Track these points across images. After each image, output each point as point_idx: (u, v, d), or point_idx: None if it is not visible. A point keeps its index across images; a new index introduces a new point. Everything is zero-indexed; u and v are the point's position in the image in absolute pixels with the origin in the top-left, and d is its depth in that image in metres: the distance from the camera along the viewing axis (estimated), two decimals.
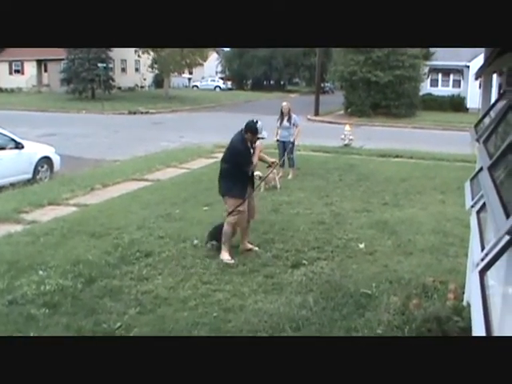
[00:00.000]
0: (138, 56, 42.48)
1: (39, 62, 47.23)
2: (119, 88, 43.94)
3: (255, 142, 6.54)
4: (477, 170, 4.00)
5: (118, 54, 42.67)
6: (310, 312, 5.00)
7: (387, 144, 17.13)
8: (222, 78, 62.20)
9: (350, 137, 16.81)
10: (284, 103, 11.86)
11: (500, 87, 4.84)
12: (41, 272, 5.84)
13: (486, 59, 4.73)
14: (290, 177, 11.59)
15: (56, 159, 12.37)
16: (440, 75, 36.38)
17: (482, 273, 2.15)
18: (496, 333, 1.85)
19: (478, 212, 3.42)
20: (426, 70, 33.19)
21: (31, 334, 4.39)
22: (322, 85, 44.66)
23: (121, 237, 7.14)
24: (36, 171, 11.77)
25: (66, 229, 7.47)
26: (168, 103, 36.61)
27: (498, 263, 2.10)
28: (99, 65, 36.80)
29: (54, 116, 28.90)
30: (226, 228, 6.54)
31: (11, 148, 11.21)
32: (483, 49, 5.03)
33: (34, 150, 11.89)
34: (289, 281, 5.82)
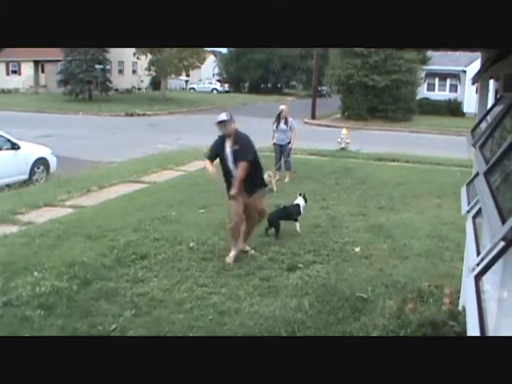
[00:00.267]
0: (137, 58, 42.47)
1: (36, 62, 47.16)
2: (116, 90, 43.92)
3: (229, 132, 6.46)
4: (473, 175, 4.01)
5: (115, 55, 42.62)
6: (305, 315, 5.00)
7: (384, 148, 17.16)
8: (219, 81, 62.19)
9: (347, 140, 16.84)
10: (283, 106, 11.86)
11: (497, 92, 4.86)
12: (36, 273, 5.82)
13: (483, 64, 4.75)
14: (286, 180, 11.60)
15: (52, 160, 12.36)
16: (437, 80, 36.56)
17: (478, 278, 2.15)
18: None
19: (474, 217, 3.42)
20: (423, 74, 33.32)
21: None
22: (319, 88, 44.73)
23: (116, 239, 7.13)
24: (32, 172, 11.75)
25: (62, 230, 7.45)
26: (165, 105, 36.61)
27: (493, 268, 2.10)
28: (96, 66, 36.87)
29: (50, 117, 28.85)
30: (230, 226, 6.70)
31: (7, 149, 11.21)
32: (480, 54, 5.05)
33: (31, 151, 11.88)
34: (284, 284, 5.82)
